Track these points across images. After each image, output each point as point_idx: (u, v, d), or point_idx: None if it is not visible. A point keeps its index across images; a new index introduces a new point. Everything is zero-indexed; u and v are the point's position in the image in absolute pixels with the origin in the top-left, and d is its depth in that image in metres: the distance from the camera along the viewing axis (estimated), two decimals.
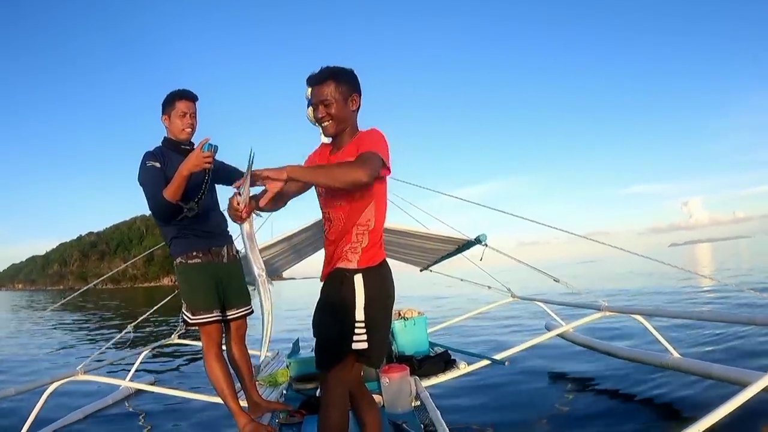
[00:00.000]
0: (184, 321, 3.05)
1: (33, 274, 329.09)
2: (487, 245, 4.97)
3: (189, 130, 3.07)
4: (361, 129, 2.16)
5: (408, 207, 5.55)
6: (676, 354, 4.18)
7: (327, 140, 2.31)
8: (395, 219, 5.06)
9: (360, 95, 2.14)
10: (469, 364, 4.50)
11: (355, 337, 2.00)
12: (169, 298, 5.52)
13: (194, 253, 3.04)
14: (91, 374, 4.16)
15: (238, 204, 1.92)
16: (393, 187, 5.47)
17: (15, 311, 27.87)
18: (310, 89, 2.14)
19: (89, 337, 12.27)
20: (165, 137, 3.14)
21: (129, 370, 5.26)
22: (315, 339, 2.14)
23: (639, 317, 4.28)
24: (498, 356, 4.42)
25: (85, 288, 5.57)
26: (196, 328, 3.05)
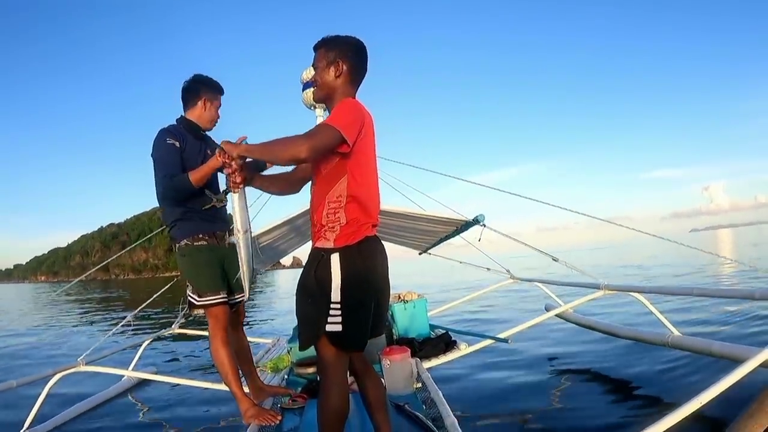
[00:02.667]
0: (190, 303, 3.03)
1: (55, 266, 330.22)
2: (485, 225, 4.96)
3: (216, 123, 3.18)
4: (355, 100, 2.09)
5: (407, 190, 5.48)
6: (676, 332, 4.18)
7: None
8: (394, 201, 5.05)
9: (351, 64, 2.08)
10: (469, 344, 4.52)
11: (329, 319, 1.93)
12: (167, 286, 5.51)
13: (200, 236, 3.03)
14: (93, 365, 4.16)
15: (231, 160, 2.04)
16: (395, 170, 5.42)
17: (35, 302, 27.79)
18: (303, 72, 2.16)
19: (99, 328, 12.25)
20: (184, 117, 3.11)
21: (131, 361, 5.26)
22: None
23: (639, 295, 4.27)
24: (503, 334, 4.41)
25: (78, 279, 5.53)
26: (201, 312, 3.05)
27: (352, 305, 1.95)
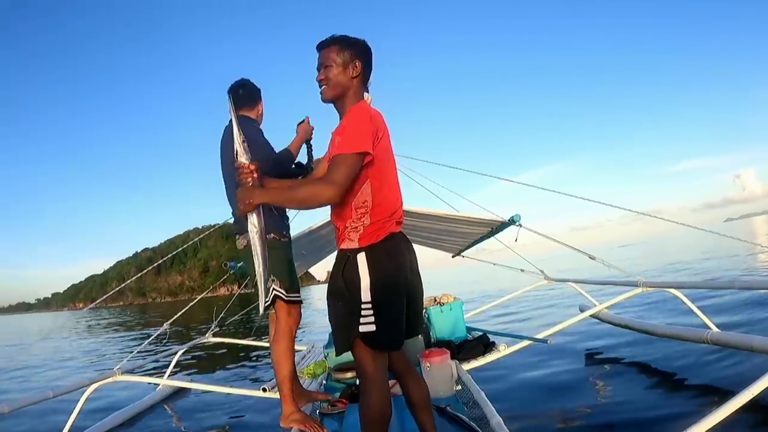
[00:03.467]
0: (277, 296, 2.94)
1: (93, 293, 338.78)
2: (521, 226, 4.81)
3: None
4: (363, 105, 2.03)
5: (441, 191, 5.33)
6: (715, 328, 4.04)
7: None
8: (428, 204, 4.94)
9: (364, 64, 2.05)
10: (508, 345, 4.38)
11: (362, 320, 1.88)
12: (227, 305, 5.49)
13: (284, 233, 3.06)
14: (129, 375, 4.14)
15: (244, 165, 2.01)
16: (428, 170, 5.33)
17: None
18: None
19: (138, 342, 12.44)
20: (246, 116, 3.11)
21: (165, 370, 5.25)
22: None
23: (676, 292, 4.15)
24: (541, 334, 4.32)
25: (100, 299, 5.59)
26: (271, 310, 3.00)
27: (384, 303, 1.89)
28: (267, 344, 3.01)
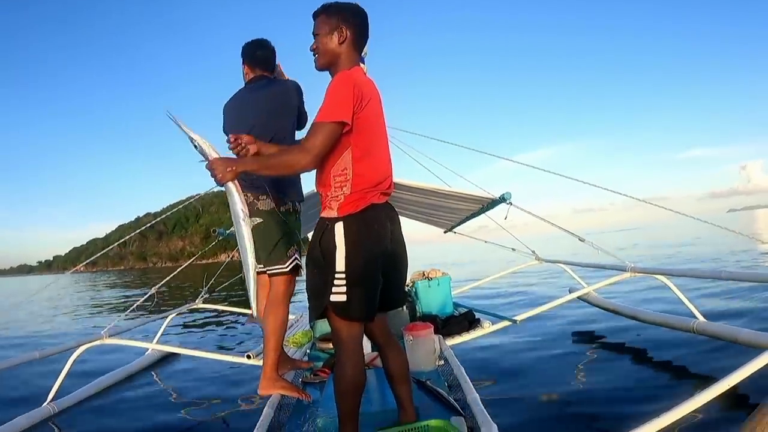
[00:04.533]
0: (300, 266, 2.94)
1: (94, 256, 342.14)
2: (511, 203, 4.79)
3: None
4: (348, 72, 1.98)
5: (435, 167, 5.30)
6: (701, 318, 4.05)
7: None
8: (417, 177, 4.93)
9: (355, 29, 2.01)
10: (493, 323, 4.42)
11: (333, 289, 1.89)
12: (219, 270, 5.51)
13: (296, 202, 3.04)
14: (117, 338, 4.17)
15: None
16: (423, 145, 5.27)
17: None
18: None
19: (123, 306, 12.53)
20: (269, 77, 3.13)
21: (155, 335, 5.31)
22: None
23: (664, 279, 4.14)
24: (520, 317, 4.34)
25: (85, 262, 5.58)
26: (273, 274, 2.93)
27: (358, 274, 1.89)
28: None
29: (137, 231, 6.86)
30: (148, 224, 6.34)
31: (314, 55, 2.05)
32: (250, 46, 3.09)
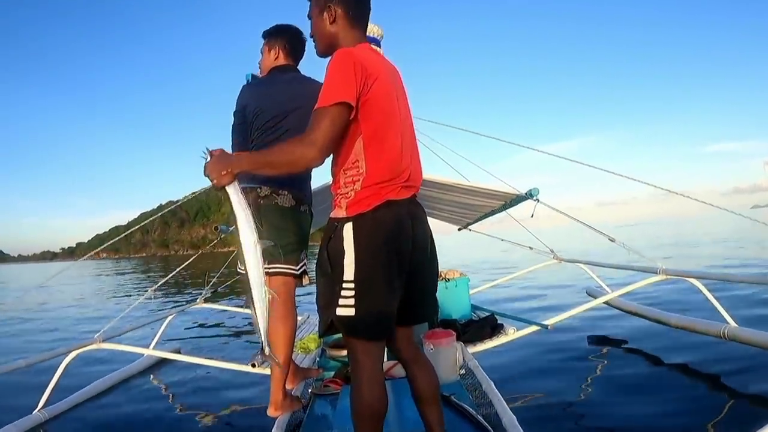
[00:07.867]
0: (306, 272, 2.73)
1: (116, 243, 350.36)
2: (539, 201, 4.43)
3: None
4: (346, 49, 1.70)
5: (453, 158, 4.96)
6: (733, 323, 3.75)
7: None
8: (432, 169, 4.55)
9: (346, 6, 1.78)
10: (518, 329, 4.10)
11: (340, 301, 1.62)
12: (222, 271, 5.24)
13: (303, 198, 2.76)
14: (111, 342, 3.95)
15: None
16: (441, 135, 4.93)
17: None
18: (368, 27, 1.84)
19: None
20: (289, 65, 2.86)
21: (153, 337, 5.10)
22: None
23: (696, 282, 3.84)
24: (551, 321, 4.02)
25: (99, 249, 5.39)
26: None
27: (368, 284, 1.62)
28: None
29: (157, 215, 6.76)
30: (167, 209, 6.26)
31: (314, 41, 1.89)
32: (298, 34, 2.81)
